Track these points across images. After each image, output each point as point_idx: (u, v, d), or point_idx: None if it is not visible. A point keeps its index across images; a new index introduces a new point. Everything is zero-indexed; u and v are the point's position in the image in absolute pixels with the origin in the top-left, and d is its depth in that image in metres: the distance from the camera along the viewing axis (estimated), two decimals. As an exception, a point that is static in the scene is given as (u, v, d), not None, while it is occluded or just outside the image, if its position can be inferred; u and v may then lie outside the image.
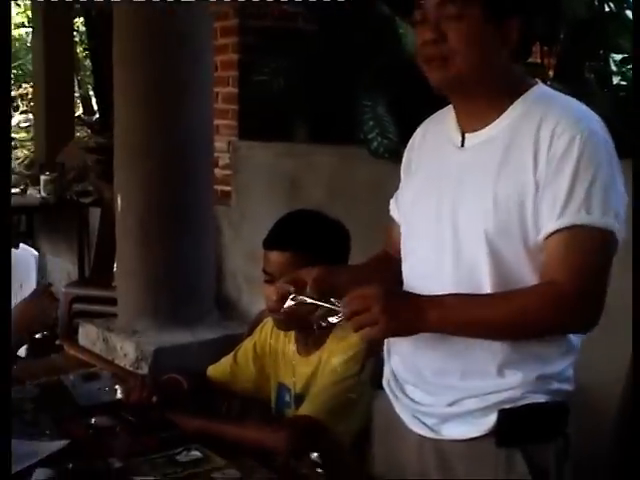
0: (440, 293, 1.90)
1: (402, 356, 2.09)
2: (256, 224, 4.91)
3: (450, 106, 2.07)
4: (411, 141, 2.22)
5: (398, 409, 2.10)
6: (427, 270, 2.02)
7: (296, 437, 2.34)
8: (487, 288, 1.90)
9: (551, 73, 4.73)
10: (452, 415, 1.99)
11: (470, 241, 1.92)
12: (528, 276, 1.89)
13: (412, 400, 2.07)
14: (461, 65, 1.90)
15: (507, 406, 1.92)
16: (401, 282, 2.12)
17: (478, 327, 1.89)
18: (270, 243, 2.55)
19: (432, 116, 2.20)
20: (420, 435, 2.04)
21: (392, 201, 2.27)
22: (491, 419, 1.93)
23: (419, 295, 1.91)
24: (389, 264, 2.23)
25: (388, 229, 2.30)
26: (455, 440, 1.98)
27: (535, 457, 1.93)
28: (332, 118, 4.95)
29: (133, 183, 3.79)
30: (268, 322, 2.80)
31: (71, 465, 2.28)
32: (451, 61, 1.90)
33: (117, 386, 2.90)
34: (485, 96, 1.96)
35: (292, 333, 2.66)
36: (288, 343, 2.68)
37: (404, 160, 2.23)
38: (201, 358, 3.57)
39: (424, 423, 2.03)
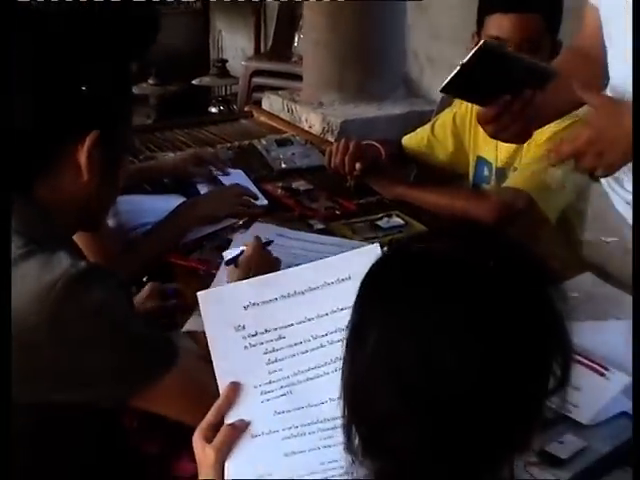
0: None
1: None
2: (443, 2, 4.72)
3: None
4: None
5: (616, 203, 2.02)
6: None
7: (504, 208, 2.27)
8: None
9: None
10: None
11: None
12: None
13: (628, 191, 1.97)
14: None
15: None
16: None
17: None
18: (502, 5, 2.35)
19: None
20: None
21: None
22: None
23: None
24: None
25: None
26: None
27: None
28: None
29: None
30: (468, 95, 2.69)
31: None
32: None
33: (314, 151, 2.89)
34: None
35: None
36: (492, 116, 2.57)
37: None
38: (388, 132, 3.52)
39: None
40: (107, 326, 1.35)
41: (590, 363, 1.61)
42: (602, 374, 1.59)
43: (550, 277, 0.99)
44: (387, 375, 0.91)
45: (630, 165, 1.86)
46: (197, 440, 1.26)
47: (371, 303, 0.97)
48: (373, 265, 0.99)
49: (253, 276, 1.57)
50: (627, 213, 1.99)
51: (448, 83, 1.72)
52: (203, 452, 1.25)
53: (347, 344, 0.97)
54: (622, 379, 1.58)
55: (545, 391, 0.95)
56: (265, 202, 2.46)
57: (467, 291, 0.91)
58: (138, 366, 1.40)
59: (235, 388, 1.29)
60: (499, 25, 2.36)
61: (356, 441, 0.97)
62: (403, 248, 0.99)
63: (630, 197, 1.96)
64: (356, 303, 0.98)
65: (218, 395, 1.29)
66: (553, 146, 1.79)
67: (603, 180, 2.04)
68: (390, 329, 0.92)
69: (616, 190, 2.02)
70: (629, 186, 1.96)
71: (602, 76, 1.95)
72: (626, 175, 1.95)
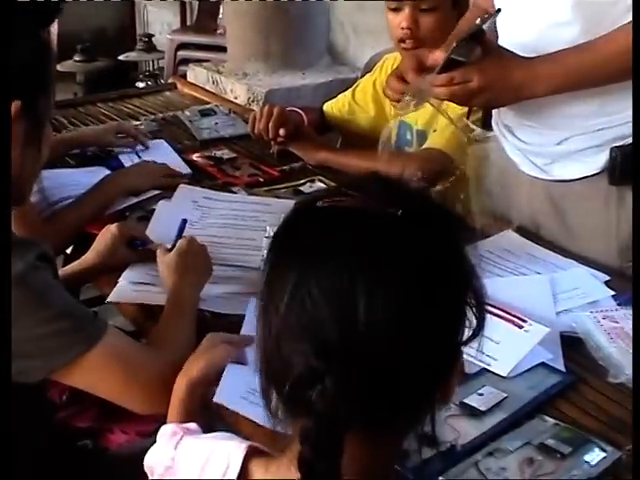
0: None
1: None
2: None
3: None
4: None
5: (508, 150, 2.06)
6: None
7: (425, 169, 2.29)
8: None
9: None
10: (562, 154, 1.93)
11: None
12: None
13: (520, 140, 2.02)
14: None
15: (618, 144, 1.84)
16: None
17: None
18: None
19: None
20: (531, 176, 2.02)
21: None
22: (602, 157, 1.87)
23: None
24: None
25: None
26: (566, 180, 1.94)
27: None
28: None
29: None
30: (388, 59, 2.71)
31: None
32: None
33: (238, 120, 2.88)
34: None
35: (415, 70, 2.55)
36: (411, 80, 2.59)
37: None
38: (314, 101, 3.53)
39: (534, 164, 2.00)
40: (27, 298, 1.35)
41: (508, 316, 1.63)
42: (520, 326, 1.62)
43: (460, 226, 1.01)
44: (302, 333, 0.91)
45: (521, 114, 1.96)
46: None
47: (280, 263, 0.95)
48: (281, 226, 0.98)
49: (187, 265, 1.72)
50: (517, 159, 2.05)
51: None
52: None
53: (260, 310, 0.97)
54: (540, 331, 1.60)
55: (460, 339, 0.96)
56: (189, 171, 2.46)
57: (376, 242, 0.91)
58: (60, 341, 1.40)
59: None
60: None
61: (274, 403, 0.97)
62: (311, 204, 0.97)
63: (521, 145, 2.02)
64: (266, 264, 0.97)
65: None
66: (442, 82, 1.81)
67: (494, 125, 2.11)
68: (301, 287, 0.91)
69: (507, 137, 2.07)
70: (519, 134, 2.02)
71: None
72: (516, 124, 2.02)
